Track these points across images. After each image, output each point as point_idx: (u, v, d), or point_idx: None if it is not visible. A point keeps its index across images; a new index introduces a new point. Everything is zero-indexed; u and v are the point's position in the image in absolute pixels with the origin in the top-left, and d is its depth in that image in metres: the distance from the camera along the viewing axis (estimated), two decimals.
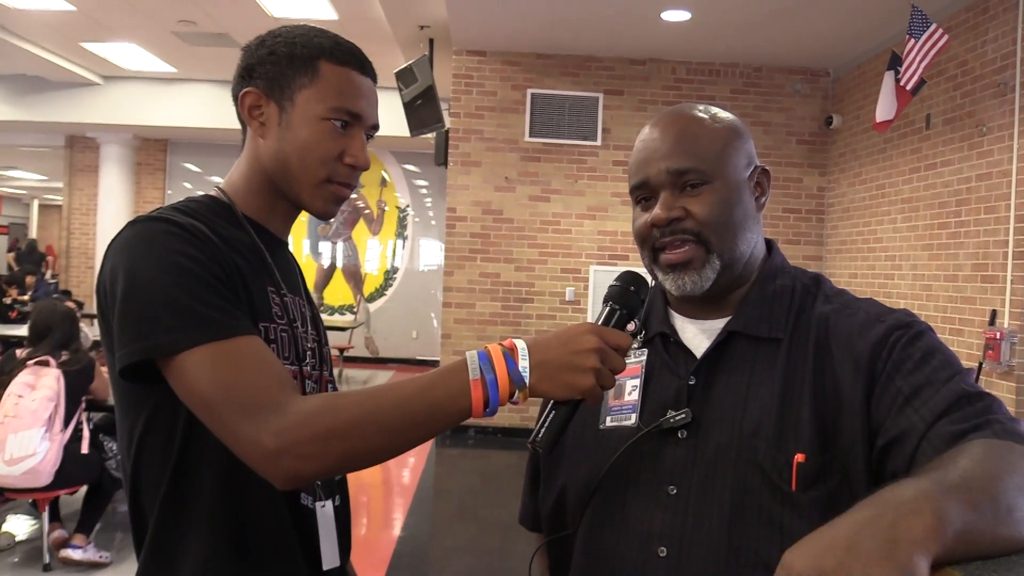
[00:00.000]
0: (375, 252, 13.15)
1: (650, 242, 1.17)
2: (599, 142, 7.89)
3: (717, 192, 1.14)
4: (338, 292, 13.13)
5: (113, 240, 1.16)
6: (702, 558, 1.06)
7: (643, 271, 1.19)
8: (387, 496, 6.50)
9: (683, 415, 1.12)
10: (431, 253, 13.05)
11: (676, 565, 1.08)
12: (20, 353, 4.44)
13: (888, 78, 5.52)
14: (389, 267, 13.14)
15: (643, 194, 1.18)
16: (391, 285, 13.13)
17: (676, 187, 1.14)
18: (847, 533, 0.66)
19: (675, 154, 1.14)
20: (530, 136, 7.91)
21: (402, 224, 13.07)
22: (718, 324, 1.18)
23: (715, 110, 1.21)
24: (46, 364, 4.32)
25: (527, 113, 7.89)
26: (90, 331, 5.84)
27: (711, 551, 1.06)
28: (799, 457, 1.04)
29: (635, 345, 1.22)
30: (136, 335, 1.07)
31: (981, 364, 5.23)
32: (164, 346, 1.05)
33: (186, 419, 1.13)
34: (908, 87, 5.17)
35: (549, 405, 1.06)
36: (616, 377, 1.05)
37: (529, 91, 7.89)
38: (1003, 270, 5.20)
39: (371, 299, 13.10)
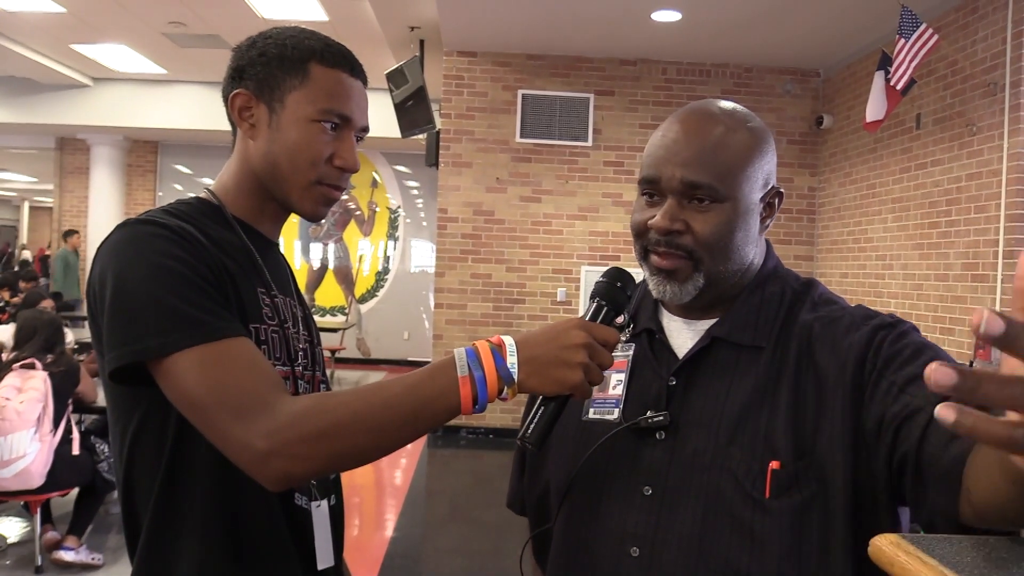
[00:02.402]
0: (366, 253, 13.13)
1: (644, 240, 1.15)
2: (590, 143, 7.89)
3: (725, 213, 1.11)
4: (330, 293, 13.11)
5: (102, 243, 1.16)
6: (673, 561, 1.06)
7: (631, 268, 1.19)
8: (379, 497, 6.49)
9: (661, 417, 1.12)
10: (422, 254, 13.03)
11: (648, 566, 1.08)
12: (5, 356, 4.44)
13: (878, 78, 5.53)
14: (380, 268, 13.13)
15: (651, 190, 1.15)
16: (383, 286, 13.11)
17: (685, 197, 1.11)
18: None
19: (693, 164, 1.10)
20: (521, 137, 7.91)
21: (393, 225, 13.06)
22: (705, 325, 1.18)
23: (746, 119, 1.16)
24: (32, 367, 4.32)
25: (518, 114, 7.89)
26: (72, 333, 5.82)
27: (682, 555, 1.06)
28: (774, 464, 1.04)
29: (623, 339, 1.22)
30: (125, 338, 1.07)
31: (972, 363, 5.25)
32: (153, 349, 1.05)
33: (177, 421, 1.12)
34: (898, 87, 5.19)
35: (537, 401, 1.06)
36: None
37: (520, 92, 7.89)
38: (993, 269, 5.22)
39: (363, 300, 13.08)
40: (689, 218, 1.11)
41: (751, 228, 1.15)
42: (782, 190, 1.19)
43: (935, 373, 0.52)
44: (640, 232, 1.16)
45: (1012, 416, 0.56)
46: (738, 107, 1.18)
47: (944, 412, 0.53)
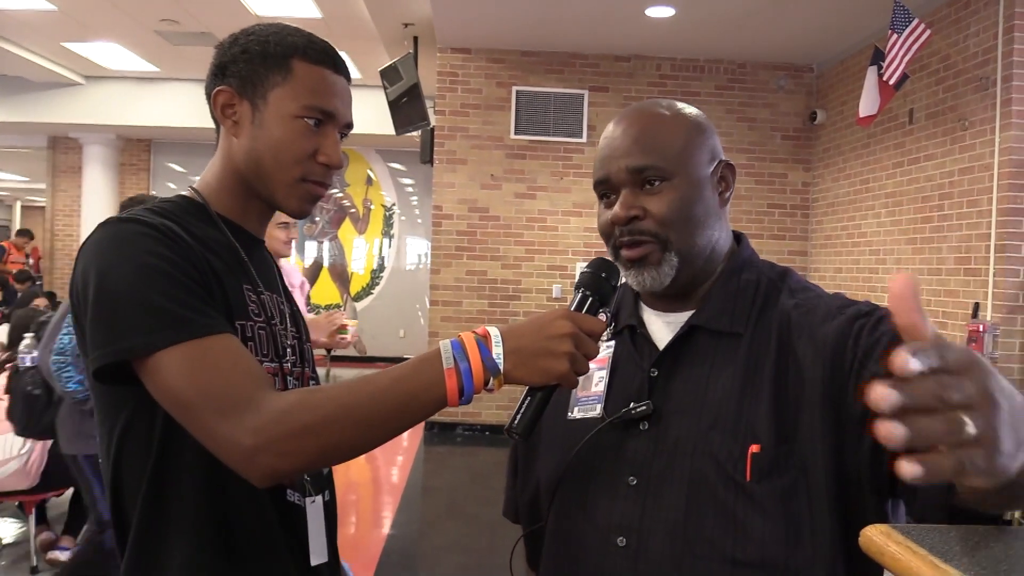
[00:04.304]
0: (361, 251, 13.13)
1: (612, 239, 1.18)
2: (584, 139, 7.89)
3: (677, 189, 1.14)
4: (325, 291, 13.10)
5: (85, 242, 1.15)
6: (659, 549, 1.07)
7: None
8: (376, 494, 6.50)
9: (644, 407, 1.13)
10: (417, 251, 13.03)
11: (635, 555, 1.09)
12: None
13: (871, 73, 5.54)
14: (376, 266, 13.12)
15: (605, 190, 1.19)
16: (378, 284, 13.11)
17: (636, 185, 1.15)
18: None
19: (635, 152, 1.15)
20: (515, 133, 7.91)
21: (388, 223, 13.05)
22: (683, 317, 1.19)
23: (679, 106, 1.22)
24: None
25: (512, 110, 7.89)
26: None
27: (668, 542, 1.07)
28: (754, 447, 1.05)
29: (605, 337, 1.23)
30: (109, 337, 1.06)
31: None
32: (138, 347, 1.05)
33: (164, 420, 1.12)
34: (891, 82, 5.20)
35: (525, 392, 1.07)
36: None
37: (514, 88, 7.88)
38: (985, 263, 5.23)
39: (358, 298, 13.08)
40: (644, 203, 1.15)
41: (708, 202, 1.18)
42: (732, 163, 1.22)
43: (876, 396, 0.60)
44: (607, 233, 1.19)
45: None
46: (674, 102, 1.23)
47: (910, 470, 0.58)
